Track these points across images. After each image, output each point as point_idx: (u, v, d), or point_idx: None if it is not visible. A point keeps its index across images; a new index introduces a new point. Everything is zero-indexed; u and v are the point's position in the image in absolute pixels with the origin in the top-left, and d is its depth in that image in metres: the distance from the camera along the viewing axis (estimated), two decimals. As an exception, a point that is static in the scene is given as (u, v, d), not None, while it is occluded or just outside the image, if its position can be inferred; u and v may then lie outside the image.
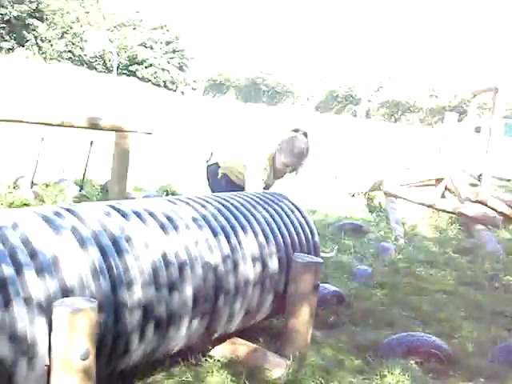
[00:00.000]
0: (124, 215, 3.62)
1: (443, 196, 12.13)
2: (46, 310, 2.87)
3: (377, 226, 10.25)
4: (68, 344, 2.77)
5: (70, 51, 73.74)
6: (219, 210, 4.26)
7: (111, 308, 3.18)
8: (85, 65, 73.56)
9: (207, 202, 4.36)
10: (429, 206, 10.76)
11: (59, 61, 71.53)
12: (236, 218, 4.29)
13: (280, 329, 5.12)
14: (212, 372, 4.26)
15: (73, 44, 73.63)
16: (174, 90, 79.35)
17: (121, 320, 3.25)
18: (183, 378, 4.19)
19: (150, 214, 3.77)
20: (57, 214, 3.36)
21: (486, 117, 16.68)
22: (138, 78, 75.79)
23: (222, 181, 6.17)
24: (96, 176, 9.18)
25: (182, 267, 3.65)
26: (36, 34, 72.52)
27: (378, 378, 4.44)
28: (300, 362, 4.45)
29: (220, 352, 4.54)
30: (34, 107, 9.02)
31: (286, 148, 5.70)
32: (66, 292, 2.98)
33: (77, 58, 74.25)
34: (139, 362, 3.63)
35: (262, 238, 4.38)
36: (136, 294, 3.32)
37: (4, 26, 69.89)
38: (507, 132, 14.46)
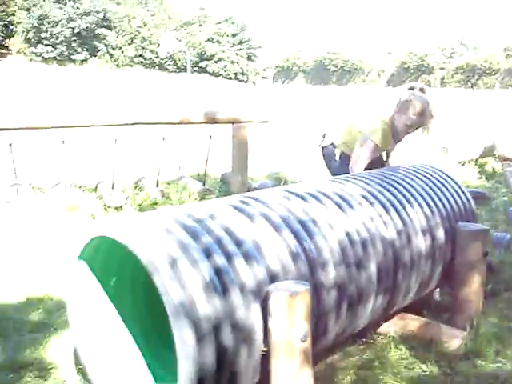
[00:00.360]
0: (302, 198, 3.61)
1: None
2: (258, 295, 2.89)
3: (497, 192, 9.89)
4: (288, 327, 2.78)
5: (140, 55, 75.44)
6: (383, 187, 4.19)
7: (311, 290, 3.17)
8: (156, 67, 75.02)
9: (367, 179, 4.30)
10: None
11: (131, 66, 73.29)
12: (400, 193, 4.21)
13: (441, 301, 5.02)
14: (390, 348, 4.21)
15: (142, 48, 75.24)
16: (245, 81, 79.76)
17: (320, 301, 3.24)
18: (363, 357, 4.16)
19: (324, 194, 3.75)
20: (243, 202, 3.38)
21: None
22: (208, 73, 76.63)
23: (341, 160, 5.96)
24: (211, 170, 9.29)
25: (364, 244, 3.61)
26: (106, 43, 74.61)
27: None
28: (475, 332, 4.33)
29: (391, 328, 4.48)
30: (152, 109, 9.16)
31: (406, 107, 5.47)
32: (272, 277, 3.00)
33: (148, 62, 75.83)
34: (331, 343, 3.63)
35: (427, 210, 4.29)
36: (330, 274, 3.31)
37: (75, 38, 72.25)
38: None
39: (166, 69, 74.88)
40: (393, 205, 4.03)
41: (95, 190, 8.27)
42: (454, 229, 4.44)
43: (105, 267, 3.38)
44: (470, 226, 4.46)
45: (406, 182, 4.40)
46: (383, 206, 3.96)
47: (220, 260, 2.82)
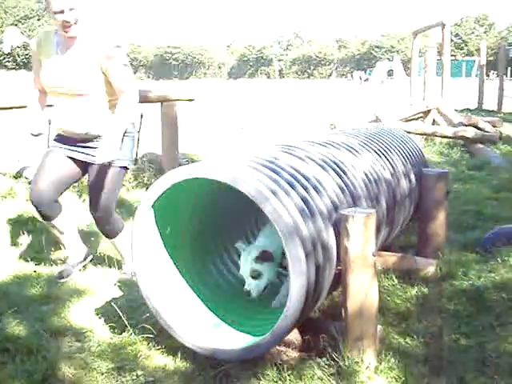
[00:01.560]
0: (324, 146, 4.10)
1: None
2: (330, 221, 3.35)
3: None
4: (363, 244, 3.27)
5: (-26, 52, 70.51)
6: (369, 138, 4.79)
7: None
8: (-8, 65, 70.68)
9: (354, 134, 4.87)
10: (430, 135, 11.60)
11: (-37, 64, 68.37)
12: (384, 143, 4.84)
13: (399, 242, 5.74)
14: (381, 278, 4.79)
15: (-24, 44, 70.23)
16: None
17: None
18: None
19: (335, 143, 4.27)
20: (289, 148, 3.81)
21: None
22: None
23: None
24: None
25: (377, 183, 4.19)
26: None
27: (501, 263, 5.07)
28: (443, 259, 5.07)
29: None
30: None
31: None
32: (334, 206, 3.47)
33: (-16, 59, 71.22)
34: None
35: (402, 158, 4.96)
36: (363, 207, 3.83)
37: None
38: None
39: (5, 66, 70.74)
40: (382, 152, 4.64)
41: (19, 175, 8.06)
42: (421, 173, 5.14)
43: (164, 217, 3.64)
44: (433, 170, 5.21)
45: (382, 135, 5.03)
46: (376, 152, 4.55)
47: (302, 191, 3.25)
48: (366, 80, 70.51)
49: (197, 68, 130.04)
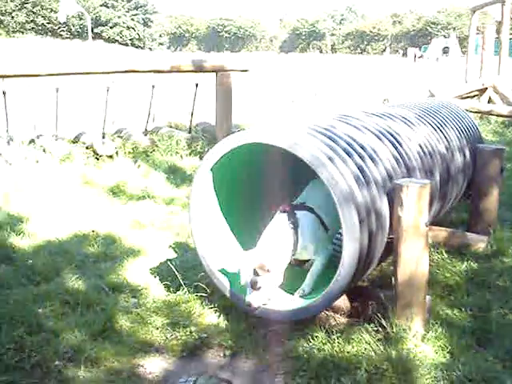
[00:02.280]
0: (380, 117, 4.12)
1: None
2: (384, 190, 3.40)
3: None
4: (417, 214, 3.31)
5: (32, 21, 71.84)
6: (425, 112, 4.78)
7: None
8: (49, 33, 71.86)
9: (411, 107, 4.86)
10: (485, 113, 11.38)
11: (22, 33, 69.70)
12: (439, 117, 4.82)
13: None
14: (432, 252, 4.81)
15: (34, 13, 71.68)
16: (142, 47, 78.25)
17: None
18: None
19: (391, 115, 4.28)
20: (345, 117, 3.86)
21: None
22: (103, 39, 74.38)
23: None
24: (185, 119, 9.53)
25: (431, 155, 4.20)
26: (-5, 8, 70.40)
27: None
28: (494, 236, 5.05)
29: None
30: (145, 58, 9.25)
31: None
32: (389, 176, 3.51)
33: (40, 28, 72.44)
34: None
35: (457, 133, 4.94)
36: (417, 178, 3.85)
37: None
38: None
39: (60, 35, 71.90)
40: (438, 126, 4.63)
41: (77, 140, 8.31)
42: (475, 149, 5.11)
43: (220, 180, 3.75)
44: (489, 145, 5.17)
45: (439, 109, 5.01)
46: (432, 126, 4.55)
47: (358, 160, 3.30)
48: (421, 57, 69.05)
49: (248, 41, 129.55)
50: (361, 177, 3.21)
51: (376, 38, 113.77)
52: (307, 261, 3.73)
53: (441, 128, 4.64)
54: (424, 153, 4.07)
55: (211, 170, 3.61)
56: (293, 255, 3.55)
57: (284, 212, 3.57)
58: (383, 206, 3.34)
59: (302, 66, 40.62)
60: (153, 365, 3.35)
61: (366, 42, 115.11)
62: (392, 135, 3.85)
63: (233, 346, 3.49)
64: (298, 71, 33.34)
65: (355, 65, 45.28)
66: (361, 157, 3.34)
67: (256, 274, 3.37)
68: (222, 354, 3.46)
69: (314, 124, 3.53)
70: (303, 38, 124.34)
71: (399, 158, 3.70)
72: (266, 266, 3.35)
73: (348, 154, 3.27)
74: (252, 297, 3.42)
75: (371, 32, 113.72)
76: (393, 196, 3.36)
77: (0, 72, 6.70)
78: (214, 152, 3.51)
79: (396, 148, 3.75)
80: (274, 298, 3.53)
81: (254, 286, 3.39)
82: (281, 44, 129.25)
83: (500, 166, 5.15)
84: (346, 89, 19.42)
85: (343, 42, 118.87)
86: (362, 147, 3.44)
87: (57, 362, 3.26)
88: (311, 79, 24.79)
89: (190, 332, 3.62)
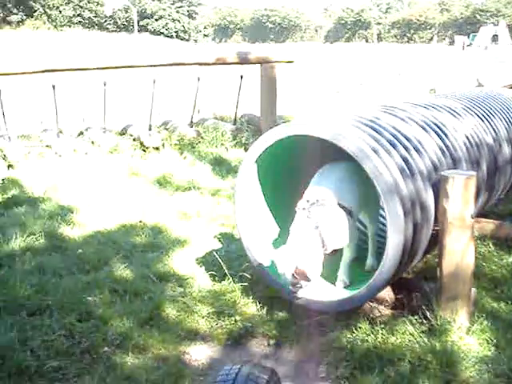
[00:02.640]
0: (426, 108, 4.09)
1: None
2: (429, 181, 3.38)
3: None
4: (462, 206, 3.28)
5: (79, 15, 73.16)
6: (473, 103, 4.71)
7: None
8: (95, 27, 73.07)
9: (458, 98, 4.80)
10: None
11: (70, 26, 71.04)
12: (488, 108, 4.74)
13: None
14: (478, 244, 4.74)
15: (81, 7, 72.99)
16: (187, 40, 78.78)
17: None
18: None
19: (438, 105, 4.24)
20: (391, 109, 3.85)
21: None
22: (149, 31, 75.18)
23: None
24: (229, 110, 9.60)
25: (478, 147, 4.15)
26: (43, 3, 71.87)
27: None
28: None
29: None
30: (190, 51, 9.37)
31: None
32: (434, 167, 3.49)
33: (87, 21, 73.72)
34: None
35: (505, 124, 4.85)
36: (464, 169, 3.81)
37: (10, -2, 69.36)
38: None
39: (106, 28, 73.03)
40: (485, 117, 4.56)
41: (124, 133, 8.48)
42: (525, 140, 5.00)
43: (265, 172, 3.79)
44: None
45: (486, 99, 4.93)
46: (479, 116, 4.48)
47: (403, 151, 3.29)
48: (469, 45, 67.54)
49: (293, 31, 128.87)
50: (406, 168, 3.21)
51: (423, 26, 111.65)
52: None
53: (488, 119, 4.57)
54: (471, 144, 4.02)
55: (256, 161, 3.65)
56: (325, 250, 3.49)
57: (303, 209, 3.50)
58: (428, 197, 3.33)
59: (348, 56, 40.28)
60: (198, 352, 3.42)
61: (412, 31, 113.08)
62: (438, 126, 3.82)
63: (277, 335, 3.54)
64: (343, 61, 33.08)
65: (401, 54, 44.62)
66: (406, 148, 3.33)
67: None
68: (265, 343, 3.51)
69: (358, 115, 3.53)
70: (348, 27, 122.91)
71: (445, 149, 3.68)
72: (304, 271, 3.33)
73: (393, 145, 3.27)
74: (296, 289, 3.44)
75: (418, 20, 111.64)
76: (438, 187, 3.34)
77: (49, 66, 6.87)
78: (259, 144, 3.55)
79: (442, 139, 3.72)
80: (316, 288, 3.56)
81: (294, 286, 3.40)
82: (326, 34, 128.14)
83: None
84: (392, 79, 19.20)
85: (389, 31, 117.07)
86: (407, 138, 3.43)
87: (105, 349, 3.37)
88: (356, 69, 24.58)
89: (235, 321, 3.68)
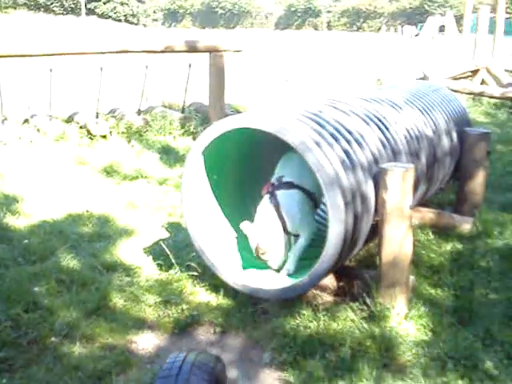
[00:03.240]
0: (368, 101, 4.22)
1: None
2: (370, 173, 3.51)
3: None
4: (401, 196, 3.42)
5: (23, -5, 71.03)
6: (414, 96, 4.87)
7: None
8: (41, 9, 71.06)
9: (401, 89, 4.95)
10: (478, 95, 11.47)
11: (15, 8, 68.93)
12: (427, 101, 4.91)
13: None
14: (418, 233, 4.93)
15: (26, -12, 70.87)
16: (136, 24, 77.48)
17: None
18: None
19: (380, 99, 4.37)
20: (334, 102, 3.95)
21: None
22: (97, 15, 73.62)
23: None
24: (177, 98, 9.58)
25: (418, 139, 4.30)
26: (-16, -18, 69.46)
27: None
28: (481, 217, 5.17)
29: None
30: (138, 38, 9.28)
31: None
32: (375, 160, 3.62)
33: (32, 3, 71.60)
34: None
35: (445, 116, 5.03)
36: (403, 161, 3.96)
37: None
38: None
39: (53, 11, 71.09)
40: (425, 110, 4.73)
41: (70, 120, 8.36)
42: (463, 132, 5.20)
43: (211, 163, 3.85)
44: (476, 129, 5.27)
45: (427, 92, 5.10)
46: (419, 110, 4.64)
47: (344, 144, 3.41)
48: (417, 35, 68.62)
49: (244, 17, 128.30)
50: (347, 161, 3.32)
51: (372, 15, 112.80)
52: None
53: (428, 112, 4.73)
54: (411, 136, 4.17)
55: (202, 153, 3.70)
56: (288, 233, 3.74)
57: (267, 193, 3.73)
58: (369, 189, 3.45)
59: (298, 44, 40.43)
60: (145, 341, 3.48)
61: (362, 20, 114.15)
62: (379, 119, 3.94)
63: (223, 323, 3.63)
64: (293, 49, 33.22)
65: (350, 42, 45.07)
66: (347, 141, 3.44)
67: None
68: (212, 331, 3.60)
69: (302, 109, 3.62)
70: (299, 14, 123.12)
71: (385, 141, 3.81)
72: (264, 248, 3.63)
73: (335, 138, 3.37)
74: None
75: (367, 9, 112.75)
76: (378, 179, 3.47)
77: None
78: (205, 136, 3.61)
79: (383, 132, 3.85)
80: (261, 277, 3.68)
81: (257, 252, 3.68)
82: (276, 21, 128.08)
83: (486, 150, 5.25)
84: (341, 67, 19.42)
85: (339, 20, 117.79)
86: (349, 132, 3.54)
87: (53, 339, 3.39)
88: (306, 57, 24.74)
89: (182, 310, 3.74)
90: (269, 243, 3.66)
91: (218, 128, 3.52)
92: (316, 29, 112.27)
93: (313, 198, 3.82)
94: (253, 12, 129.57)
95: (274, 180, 3.83)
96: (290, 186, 3.73)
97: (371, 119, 3.87)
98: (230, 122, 3.46)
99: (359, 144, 3.52)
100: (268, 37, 57.07)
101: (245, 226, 3.72)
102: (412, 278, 3.77)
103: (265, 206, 3.72)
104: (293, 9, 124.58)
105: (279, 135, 3.24)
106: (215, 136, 3.54)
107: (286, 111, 3.55)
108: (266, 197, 3.74)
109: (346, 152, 3.35)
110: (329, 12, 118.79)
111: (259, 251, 3.67)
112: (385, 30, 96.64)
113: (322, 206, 4.03)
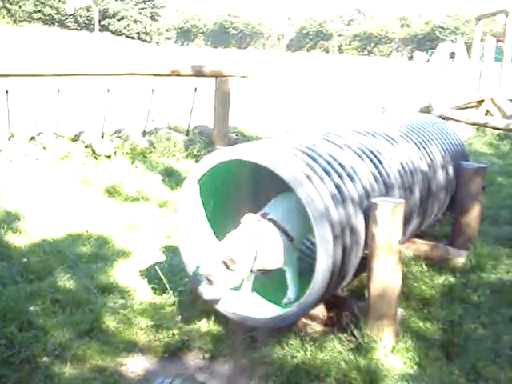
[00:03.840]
0: (363, 135, 4.30)
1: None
2: (361, 207, 3.58)
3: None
4: (390, 231, 3.49)
5: (39, 11, 72.04)
6: (410, 130, 4.94)
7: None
8: (56, 24, 72.06)
9: (396, 123, 5.03)
10: (481, 125, 11.53)
11: (30, 22, 69.92)
12: (423, 135, 4.99)
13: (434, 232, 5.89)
14: (411, 264, 4.99)
15: (42, 3, 71.92)
16: (149, 41, 78.36)
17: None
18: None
19: (375, 133, 4.46)
20: (329, 135, 4.04)
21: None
22: (110, 31, 74.53)
23: None
24: (183, 121, 9.72)
25: (412, 173, 4.38)
26: (3, -3, 70.61)
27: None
28: (475, 251, 5.21)
29: (406, 251, 5.28)
30: (145, 62, 9.44)
31: None
32: (366, 194, 3.69)
33: (47, 18, 72.61)
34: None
35: (441, 150, 5.10)
36: (396, 195, 4.03)
37: (-32, -9, 67.80)
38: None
39: (67, 26, 72.09)
40: (421, 144, 4.81)
41: (76, 139, 8.49)
42: (459, 166, 5.27)
43: (207, 191, 3.94)
44: (472, 164, 5.34)
45: (424, 127, 5.18)
46: (415, 144, 4.72)
47: (336, 178, 3.49)
48: (427, 61, 68.96)
49: (255, 38, 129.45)
50: (337, 195, 3.40)
51: (383, 40, 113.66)
52: (272, 270, 3.84)
53: (424, 146, 4.81)
54: (404, 170, 4.24)
55: (199, 181, 3.79)
56: (254, 262, 3.66)
57: (248, 221, 3.74)
58: (359, 222, 3.52)
59: (307, 67, 40.73)
60: (135, 364, 3.54)
61: (373, 44, 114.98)
62: (373, 153, 4.02)
63: (212, 349, 3.69)
64: (303, 72, 33.48)
65: (360, 67, 45.39)
66: (339, 175, 3.52)
67: (220, 268, 3.52)
68: (201, 357, 3.66)
69: (296, 142, 3.71)
70: (310, 37, 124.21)
71: (378, 176, 3.88)
72: (234, 259, 3.51)
73: (326, 172, 3.45)
74: (205, 288, 3.57)
75: (379, 34, 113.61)
76: (368, 213, 3.54)
77: (2, 71, 6.88)
78: (201, 166, 3.70)
79: (376, 166, 3.92)
80: (251, 305, 3.73)
81: (208, 278, 3.54)
82: (288, 42, 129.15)
83: (482, 184, 5.32)
84: (347, 92, 19.58)
85: (350, 43, 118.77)
86: (341, 166, 3.62)
87: (45, 359, 3.45)
88: (314, 80, 24.95)
89: (173, 334, 3.81)
90: (240, 255, 3.55)
91: (214, 158, 3.62)
92: (327, 52, 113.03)
93: (291, 241, 3.81)
94: (265, 33, 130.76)
95: (258, 213, 3.86)
96: (271, 222, 3.75)
97: (365, 153, 3.95)
98: (225, 154, 3.56)
99: (351, 178, 3.60)
100: (279, 58, 57.52)
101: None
102: (400, 310, 3.82)
103: (243, 231, 3.68)
104: (305, 31, 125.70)
105: (272, 169, 3.33)
106: (210, 166, 3.63)
107: (280, 145, 3.64)
108: (247, 224, 3.72)
109: (338, 186, 3.43)
110: (340, 36, 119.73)
111: (227, 263, 3.50)
112: (395, 56, 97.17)
113: (311, 238, 4.10)
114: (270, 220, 3.75)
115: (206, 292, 3.58)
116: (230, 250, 3.55)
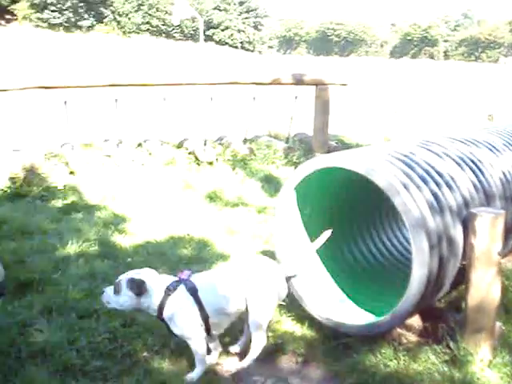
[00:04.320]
0: (464, 143, 4.22)
1: None
2: (459, 217, 3.52)
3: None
4: (489, 242, 3.40)
5: (147, 22, 75.11)
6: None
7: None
8: (163, 34, 74.81)
9: (500, 132, 4.88)
10: None
11: (138, 33, 73.00)
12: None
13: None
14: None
15: (149, 15, 74.96)
16: (252, 50, 79.66)
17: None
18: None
19: (477, 141, 4.35)
20: (426, 143, 3.99)
21: None
22: (215, 41, 76.39)
23: None
24: (283, 129, 9.88)
25: (515, 183, 4.22)
26: (113, 9, 74.16)
27: None
28: None
29: (506, 263, 5.09)
30: (247, 71, 9.72)
31: None
32: (465, 203, 3.62)
33: (155, 29, 75.56)
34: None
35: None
36: (497, 205, 3.91)
37: (82, 4, 71.58)
38: None
39: (173, 36, 74.65)
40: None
41: (180, 146, 8.83)
42: None
43: (304, 198, 4.00)
44: None
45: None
46: (518, 153, 4.55)
47: (433, 186, 3.45)
48: (539, 67, 65.61)
49: (358, 45, 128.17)
50: (435, 204, 3.36)
51: (492, 45, 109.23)
52: None
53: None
54: (507, 180, 4.12)
55: (295, 188, 3.86)
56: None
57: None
58: (457, 232, 3.46)
59: (412, 74, 39.95)
60: (230, 364, 3.65)
61: (480, 49, 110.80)
62: (474, 162, 3.94)
63: (305, 353, 3.74)
64: (407, 79, 32.86)
65: (467, 73, 43.97)
66: (437, 184, 3.48)
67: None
68: (294, 361, 3.72)
69: (393, 150, 3.71)
70: (415, 43, 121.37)
71: (478, 185, 3.80)
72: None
73: (424, 181, 3.43)
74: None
75: (487, 39, 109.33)
76: (467, 223, 3.48)
77: (113, 81, 7.30)
78: (297, 173, 3.77)
79: (476, 175, 3.84)
80: (346, 312, 3.75)
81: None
82: (391, 49, 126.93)
83: None
84: (453, 99, 19.05)
85: (456, 49, 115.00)
86: (440, 174, 3.58)
87: (145, 354, 3.64)
88: (419, 88, 24.44)
89: (267, 337, 3.88)
90: None
91: (310, 166, 3.68)
92: (432, 58, 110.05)
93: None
94: (368, 40, 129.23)
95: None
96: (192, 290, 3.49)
97: (465, 161, 3.88)
98: (320, 161, 3.61)
99: (449, 187, 3.55)
100: (382, 65, 56.73)
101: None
102: (499, 324, 3.71)
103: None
104: (409, 37, 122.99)
105: (368, 176, 3.34)
106: (306, 174, 3.70)
107: (377, 152, 3.65)
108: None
109: (435, 195, 3.40)
110: (446, 41, 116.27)
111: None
112: (504, 62, 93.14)
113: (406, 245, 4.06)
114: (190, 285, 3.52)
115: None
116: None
